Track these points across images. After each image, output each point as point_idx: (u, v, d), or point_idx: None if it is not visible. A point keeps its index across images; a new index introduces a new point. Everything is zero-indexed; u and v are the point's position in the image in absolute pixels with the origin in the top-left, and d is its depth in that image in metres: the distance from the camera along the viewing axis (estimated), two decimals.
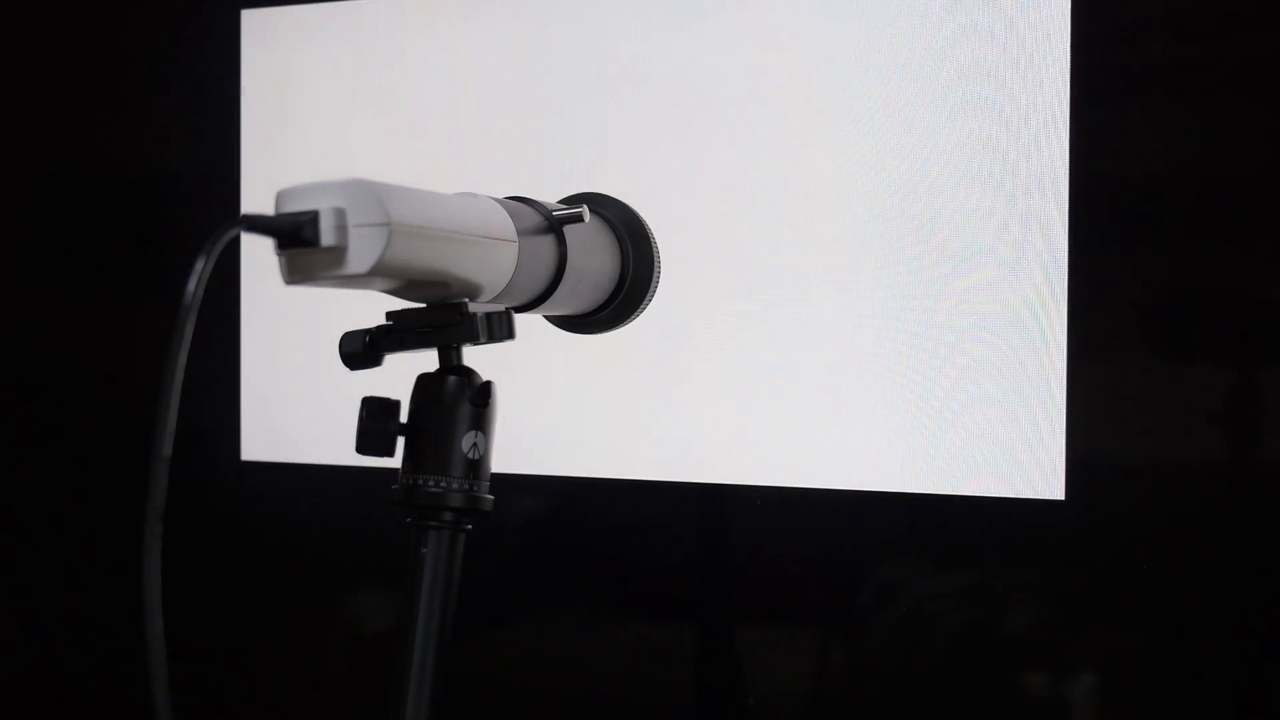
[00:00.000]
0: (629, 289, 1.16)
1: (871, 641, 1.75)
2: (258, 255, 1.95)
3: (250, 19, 2.03)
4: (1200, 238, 1.59)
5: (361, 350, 1.02)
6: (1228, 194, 1.57)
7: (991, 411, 1.62)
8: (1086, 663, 1.64)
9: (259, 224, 0.89)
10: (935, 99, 1.64)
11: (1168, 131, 1.59)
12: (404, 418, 1.02)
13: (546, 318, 1.18)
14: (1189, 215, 1.59)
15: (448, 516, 1.01)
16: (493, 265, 1.01)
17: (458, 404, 1.01)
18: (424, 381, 1.02)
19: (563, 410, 1.83)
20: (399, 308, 1.02)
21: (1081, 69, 1.58)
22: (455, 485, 1.01)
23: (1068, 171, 1.58)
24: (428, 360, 1.03)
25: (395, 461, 1.02)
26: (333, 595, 2.05)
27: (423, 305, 1.02)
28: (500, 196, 1.08)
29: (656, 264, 1.16)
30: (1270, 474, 1.56)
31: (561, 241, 1.08)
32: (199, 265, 0.81)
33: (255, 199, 1.99)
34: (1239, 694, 1.59)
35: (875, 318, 1.67)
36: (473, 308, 1.00)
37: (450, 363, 1.02)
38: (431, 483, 1.00)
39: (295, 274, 0.92)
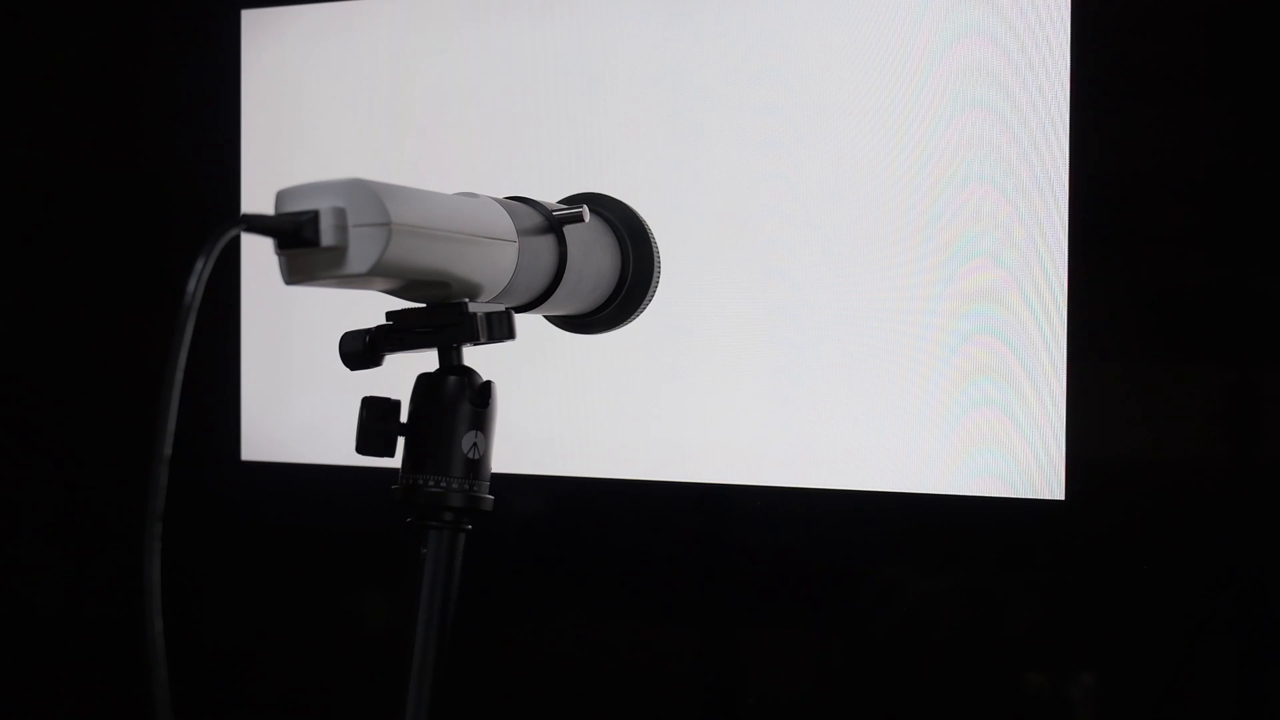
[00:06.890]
0: (629, 289, 1.16)
1: (871, 641, 1.75)
2: (258, 255, 1.95)
3: (250, 19, 2.03)
4: (1200, 238, 1.59)
5: (361, 350, 1.02)
6: (1227, 194, 1.57)
7: (992, 412, 1.62)
8: (1086, 663, 1.64)
9: (259, 224, 0.89)
10: (935, 101, 1.64)
11: (1167, 132, 1.59)
12: (404, 418, 1.02)
13: (546, 318, 1.18)
14: (1189, 215, 1.59)
15: (448, 516, 1.01)
16: (493, 265, 1.01)
17: (458, 404, 1.01)
18: (424, 381, 1.02)
19: (563, 410, 1.83)
20: (399, 308, 1.02)
21: (1081, 70, 1.58)
22: (455, 485, 1.00)
23: (1067, 173, 1.58)
24: (428, 360, 1.03)
25: (395, 461, 1.02)
26: (333, 595, 2.05)
27: (423, 305, 1.01)
28: (500, 196, 1.08)
29: (656, 264, 1.16)
30: (1270, 474, 1.56)
31: (561, 241, 1.08)
32: (199, 265, 0.81)
33: (255, 199, 1.99)
34: (1239, 694, 1.59)
35: (876, 318, 1.67)
36: (473, 308, 1.00)
37: (450, 363, 1.02)
38: (432, 483, 1.00)
39: (295, 274, 0.92)
